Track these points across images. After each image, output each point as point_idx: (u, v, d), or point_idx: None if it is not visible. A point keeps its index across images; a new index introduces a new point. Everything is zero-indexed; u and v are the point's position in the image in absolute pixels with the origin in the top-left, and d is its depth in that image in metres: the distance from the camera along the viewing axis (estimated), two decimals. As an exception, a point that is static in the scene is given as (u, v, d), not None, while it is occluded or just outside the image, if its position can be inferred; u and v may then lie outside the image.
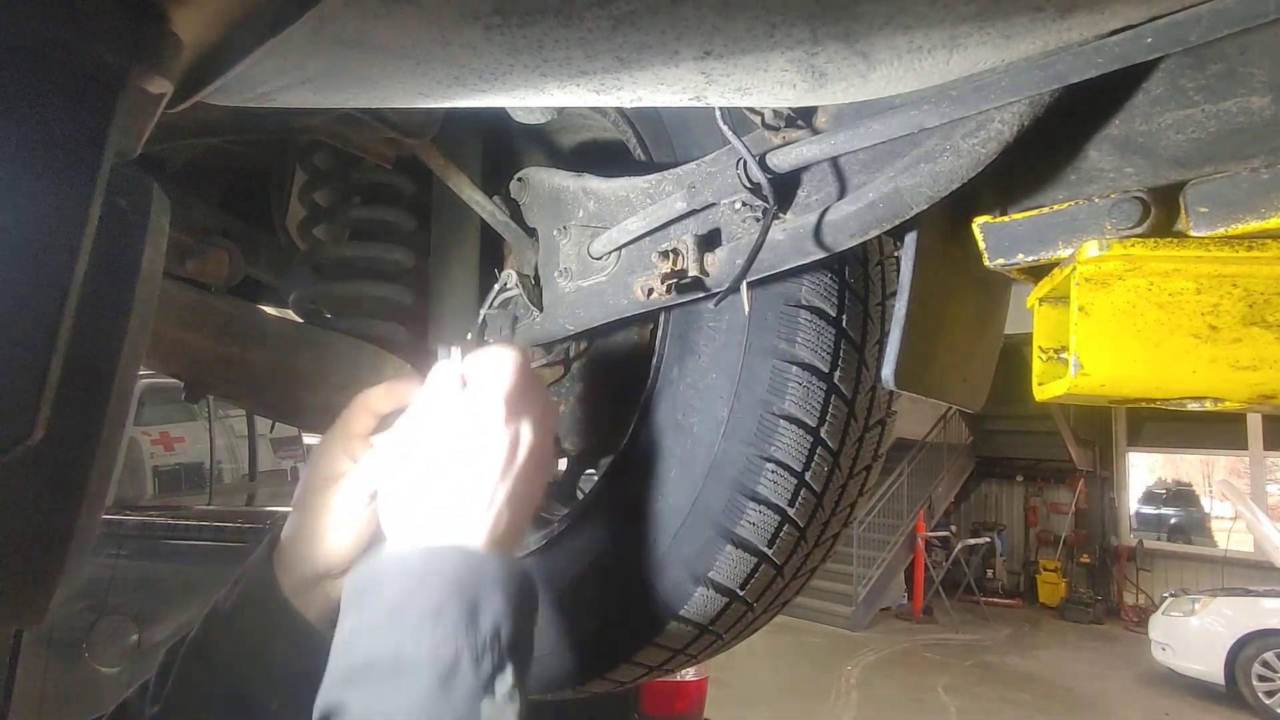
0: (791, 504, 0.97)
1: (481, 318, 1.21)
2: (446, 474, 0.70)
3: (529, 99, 0.64)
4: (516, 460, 0.71)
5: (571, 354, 1.31)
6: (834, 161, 0.78)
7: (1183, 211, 0.64)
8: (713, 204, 0.87)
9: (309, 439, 5.82)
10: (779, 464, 0.95)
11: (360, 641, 0.63)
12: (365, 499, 0.82)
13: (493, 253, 1.40)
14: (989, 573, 13.30)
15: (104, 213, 0.54)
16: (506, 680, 0.62)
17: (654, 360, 1.06)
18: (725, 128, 0.80)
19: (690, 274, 0.88)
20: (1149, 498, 13.76)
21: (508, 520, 0.70)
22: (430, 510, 0.69)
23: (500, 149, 1.37)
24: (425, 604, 0.61)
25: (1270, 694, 7.72)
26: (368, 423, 0.86)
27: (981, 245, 0.75)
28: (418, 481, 0.70)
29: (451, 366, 0.75)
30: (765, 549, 0.98)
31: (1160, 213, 0.65)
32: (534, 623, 0.69)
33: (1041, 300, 0.73)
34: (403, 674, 0.59)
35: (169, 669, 0.79)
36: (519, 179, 1.21)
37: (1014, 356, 1.04)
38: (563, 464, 1.35)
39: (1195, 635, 8.24)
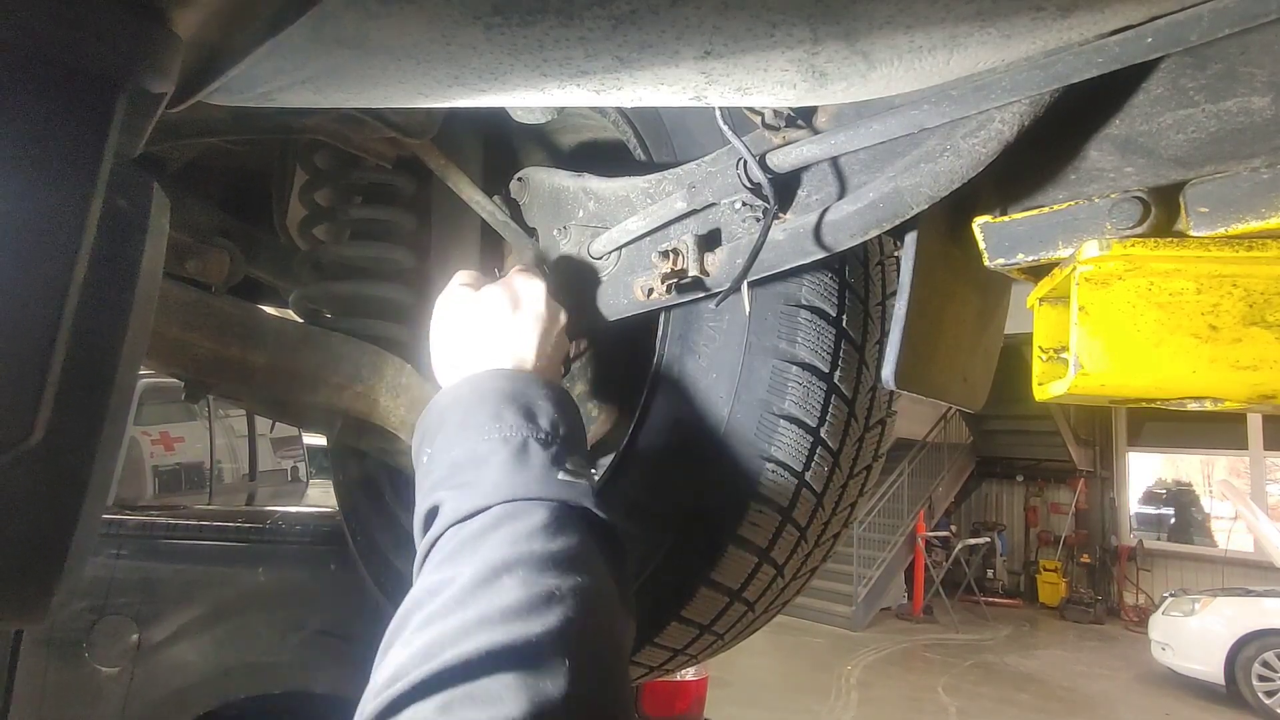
0: (791, 504, 0.97)
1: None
2: (477, 330, 0.81)
3: (529, 99, 0.64)
4: (534, 315, 0.82)
5: (571, 354, 1.31)
6: (834, 161, 0.78)
7: (1183, 211, 0.64)
8: (713, 204, 0.87)
9: (309, 439, 5.82)
10: (779, 464, 0.95)
11: (439, 458, 0.69)
12: None
13: (493, 253, 1.40)
14: (989, 573, 13.29)
15: (104, 213, 0.54)
16: (576, 460, 0.69)
17: (654, 360, 1.06)
18: (725, 128, 0.80)
19: (690, 274, 0.88)
20: (1149, 498, 13.75)
21: (538, 354, 0.80)
22: (472, 353, 0.80)
23: (500, 149, 1.37)
24: (486, 412, 0.69)
25: (1270, 694, 7.71)
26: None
27: (981, 245, 0.75)
28: (457, 340, 0.83)
29: (463, 272, 0.90)
30: (766, 548, 0.98)
31: (1160, 213, 0.65)
32: (584, 432, 0.77)
33: (1041, 300, 0.73)
34: (481, 463, 0.66)
35: None
36: (519, 179, 1.21)
37: (1014, 356, 1.04)
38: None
39: (1195, 635, 8.23)
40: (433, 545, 0.64)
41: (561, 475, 0.66)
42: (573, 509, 0.65)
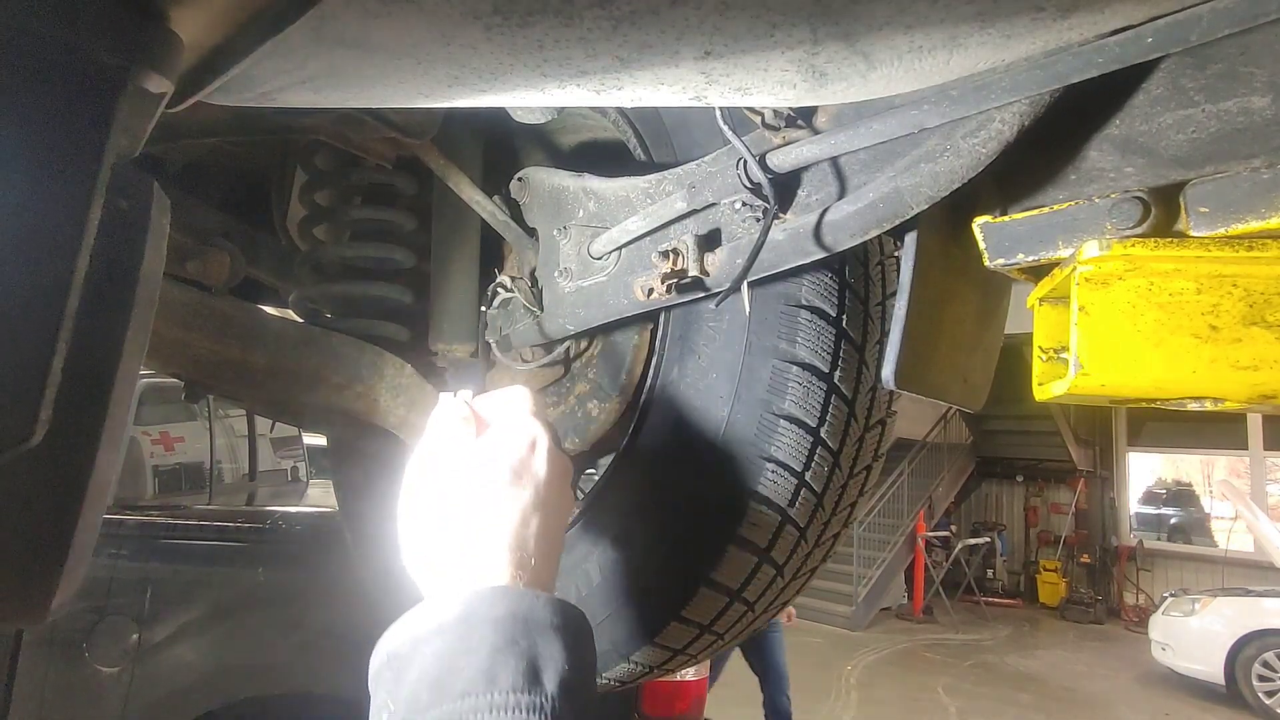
0: (791, 504, 0.97)
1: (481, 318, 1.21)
2: (466, 513, 0.61)
3: (529, 99, 0.64)
4: (536, 490, 0.63)
5: (571, 354, 1.31)
6: (834, 161, 0.78)
7: (1183, 211, 0.64)
8: (713, 204, 0.87)
9: (309, 439, 5.81)
10: (779, 464, 0.95)
11: None
12: None
13: (493, 253, 1.40)
14: (989, 573, 13.28)
15: (104, 213, 0.54)
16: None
17: (654, 360, 1.06)
18: (725, 128, 0.80)
19: (690, 274, 0.88)
20: (1149, 498, 13.74)
21: (540, 553, 0.61)
22: (458, 549, 0.60)
23: (500, 149, 1.37)
24: (475, 666, 0.50)
25: (1270, 694, 7.71)
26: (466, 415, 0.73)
27: (981, 245, 0.75)
28: (437, 525, 0.62)
29: (454, 403, 0.68)
30: (766, 548, 0.98)
31: (1160, 213, 0.65)
32: (594, 660, 0.59)
33: (1041, 300, 0.73)
34: None
35: None
36: (519, 179, 1.21)
37: (1014, 356, 1.04)
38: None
39: (1195, 635, 8.22)
40: None
41: None
42: None
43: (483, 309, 1.27)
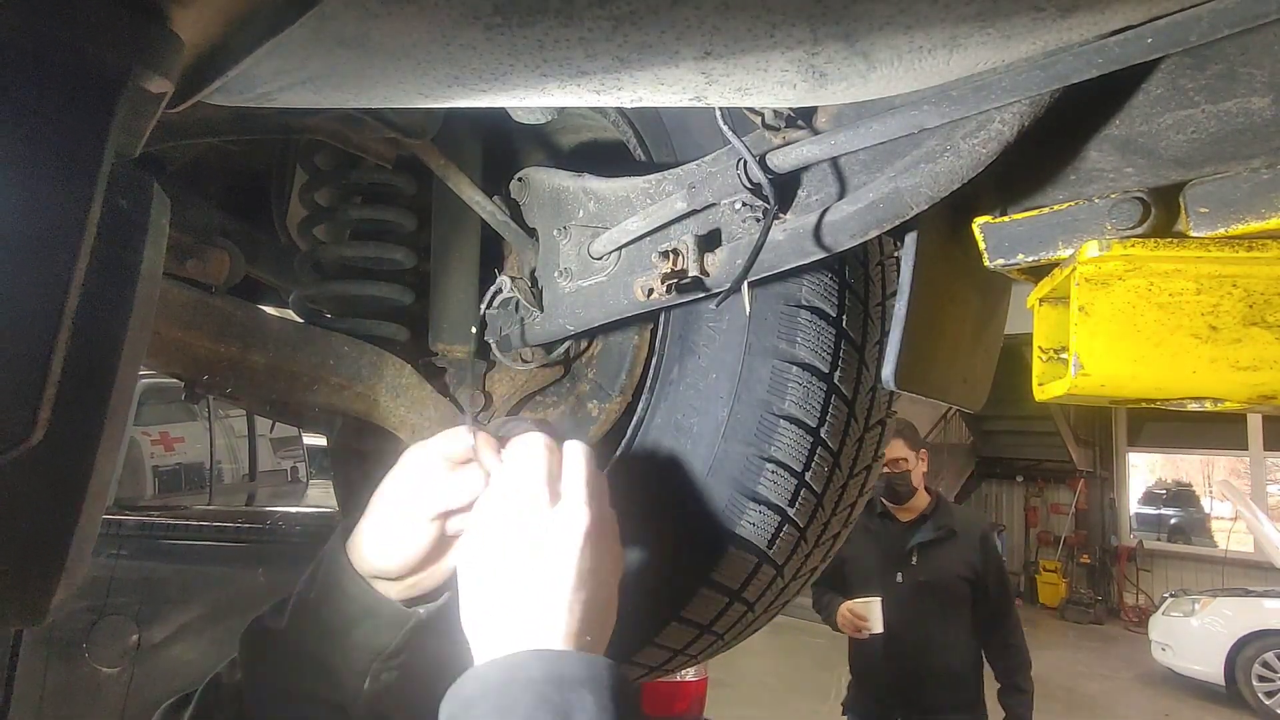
0: (791, 504, 0.97)
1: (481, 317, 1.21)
2: (517, 578, 0.67)
3: (529, 99, 0.64)
4: (576, 551, 0.68)
5: (571, 354, 1.31)
6: (834, 162, 0.78)
7: (1183, 212, 0.64)
8: (713, 204, 0.87)
9: (309, 439, 5.82)
10: (779, 464, 0.95)
11: None
12: (430, 525, 0.77)
13: (493, 253, 1.40)
14: (989, 573, 13.29)
15: (104, 213, 0.54)
16: None
17: (654, 360, 1.06)
18: (725, 128, 0.80)
19: (690, 274, 0.88)
20: (1149, 498, 13.75)
21: (586, 615, 0.66)
22: (508, 617, 0.66)
23: (500, 149, 1.37)
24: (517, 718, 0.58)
25: (1270, 694, 7.71)
26: (454, 454, 0.80)
27: (982, 245, 0.75)
28: (491, 591, 0.68)
29: (505, 467, 0.73)
30: (765, 549, 0.98)
31: (1160, 213, 0.65)
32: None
33: (1041, 300, 0.73)
34: None
35: (250, 661, 0.79)
36: (519, 179, 1.21)
37: (1014, 356, 1.04)
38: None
39: (1195, 635, 8.23)
40: None
41: None
42: None
43: (483, 309, 1.27)
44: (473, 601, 0.69)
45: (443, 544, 0.78)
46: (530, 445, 0.73)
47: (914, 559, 3.28)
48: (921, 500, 3.44)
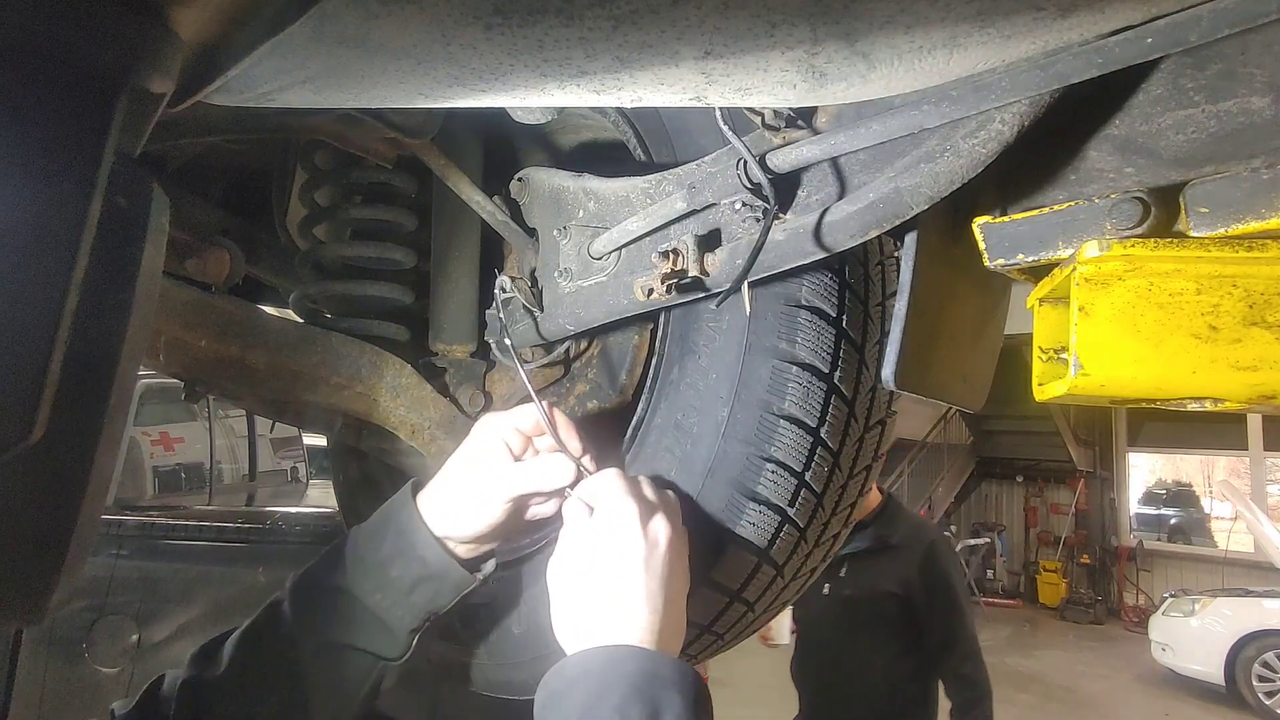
0: (791, 504, 0.97)
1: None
2: (605, 588, 0.76)
3: (529, 99, 0.64)
4: (660, 563, 0.77)
5: (571, 354, 1.31)
6: (834, 161, 0.78)
7: (1183, 212, 0.64)
8: (713, 204, 0.87)
9: (309, 439, 5.81)
10: (779, 464, 0.95)
11: None
12: (507, 504, 0.85)
13: (493, 253, 1.40)
14: (989, 573, 13.29)
15: (104, 212, 0.54)
16: None
17: (654, 360, 1.06)
18: (725, 128, 0.80)
19: (690, 274, 0.88)
20: (1149, 498, 13.76)
21: (666, 618, 0.75)
22: (600, 620, 0.74)
23: (500, 149, 1.37)
24: (610, 705, 0.66)
25: (1270, 694, 7.72)
26: (528, 427, 0.89)
27: (981, 245, 0.75)
28: (582, 598, 0.77)
29: (577, 500, 0.83)
30: (765, 549, 0.98)
31: (1160, 213, 0.65)
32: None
33: (1041, 300, 0.73)
34: None
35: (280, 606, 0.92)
36: (519, 179, 1.21)
37: (1014, 356, 1.04)
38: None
39: (1195, 635, 8.23)
40: None
41: None
42: None
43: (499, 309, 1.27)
44: (566, 604, 0.78)
45: (516, 518, 0.86)
46: (614, 474, 0.83)
47: (843, 570, 2.96)
48: (869, 503, 2.97)
